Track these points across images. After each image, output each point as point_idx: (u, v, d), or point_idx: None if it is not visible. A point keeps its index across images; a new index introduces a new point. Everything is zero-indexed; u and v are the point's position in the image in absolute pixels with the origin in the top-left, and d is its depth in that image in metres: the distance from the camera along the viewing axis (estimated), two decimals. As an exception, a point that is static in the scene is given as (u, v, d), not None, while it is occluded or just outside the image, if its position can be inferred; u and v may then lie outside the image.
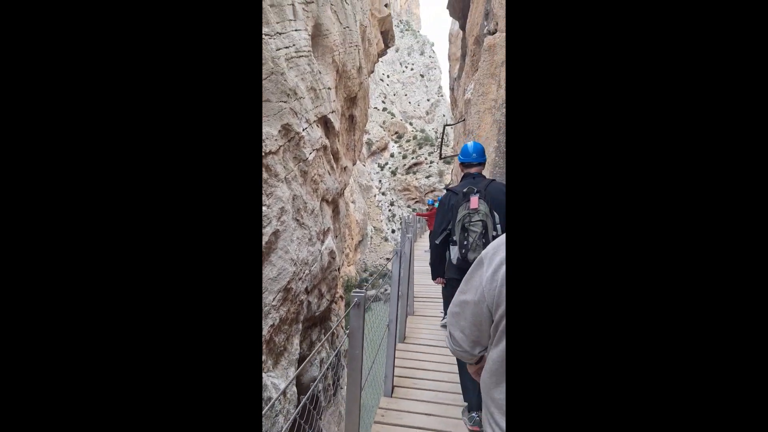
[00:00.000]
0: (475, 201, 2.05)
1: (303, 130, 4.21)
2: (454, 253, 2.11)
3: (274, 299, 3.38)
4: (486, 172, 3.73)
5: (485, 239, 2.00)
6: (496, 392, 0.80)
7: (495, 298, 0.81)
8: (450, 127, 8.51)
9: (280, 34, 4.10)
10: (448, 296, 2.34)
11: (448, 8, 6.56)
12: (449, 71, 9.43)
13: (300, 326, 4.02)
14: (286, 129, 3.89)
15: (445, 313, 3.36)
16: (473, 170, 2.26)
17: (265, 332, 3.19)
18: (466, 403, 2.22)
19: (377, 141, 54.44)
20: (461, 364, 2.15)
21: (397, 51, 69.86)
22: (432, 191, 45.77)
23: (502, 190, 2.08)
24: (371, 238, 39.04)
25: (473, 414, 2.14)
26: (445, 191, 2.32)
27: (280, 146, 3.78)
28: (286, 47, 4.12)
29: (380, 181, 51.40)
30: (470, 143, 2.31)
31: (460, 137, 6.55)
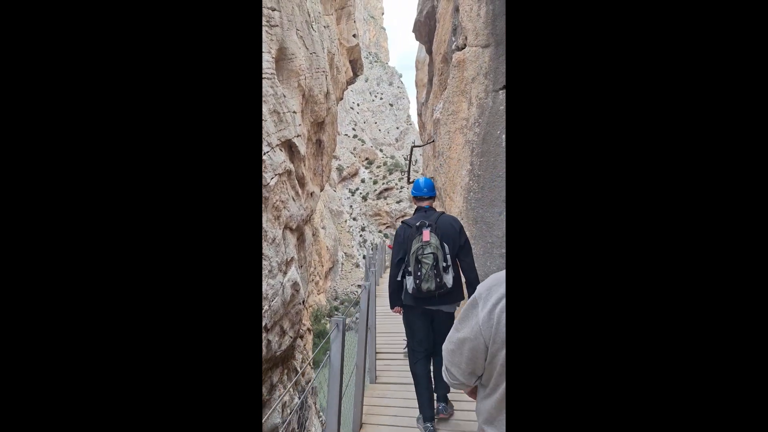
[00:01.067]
0: (426, 234, 2.24)
1: (264, 153, 3.95)
2: (409, 283, 2.27)
3: (225, 342, 2.98)
4: (459, 197, 3.61)
5: (436, 270, 2.18)
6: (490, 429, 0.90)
7: (492, 335, 0.86)
8: (418, 149, 8.44)
9: (240, 54, 3.90)
10: (407, 323, 2.51)
11: (414, 32, 6.71)
12: (416, 97, 9.59)
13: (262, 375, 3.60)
14: (244, 152, 3.63)
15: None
16: (425, 203, 2.50)
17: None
18: (420, 415, 2.46)
19: (348, 167, 54.72)
20: (416, 380, 2.42)
21: (366, 81, 71.96)
22: (403, 216, 46.05)
23: (451, 223, 2.31)
24: (342, 264, 38.26)
25: (428, 424, 2.37)
26: (401, 223, 2.50)
27: (237, 171, 3.49)
28: (247, 68, 3.92)
29: (351, 206, 51.24)
30: (422, 179, 2.57)
31: (429, 160, 6.41)
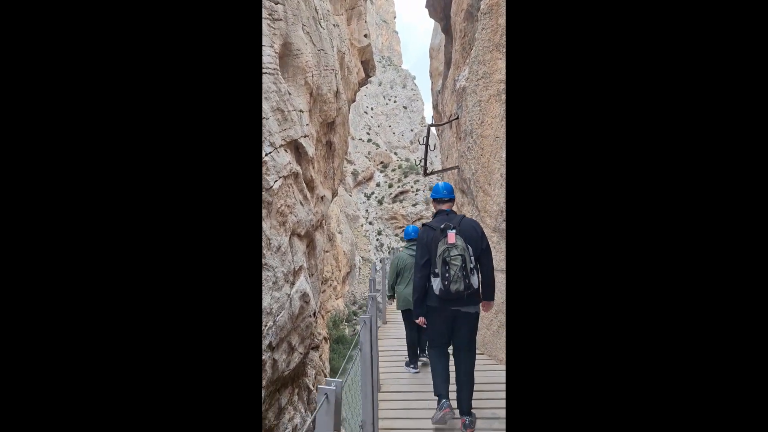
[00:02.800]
0: (452, 236, 2.26)
1: (266, 154, 3.63)
2: (436, 284, 2.29)
3: (221, 366, 2.63)
4: (498, 189, 3.09)
5: (464, 271, 2.22)
6: None
7: None
8: (436, 128, 7.31)
9: (238, 47, 3.61)
10: (427, 326, 2.47)
11: (427, 7, 6.27)
12: (431, 88, 9.12)
13: (261, 394, 3.24)
14: (243, 153, 3.31)
15: (411, 354, 3.83)
16: (445, 206, 2.51)
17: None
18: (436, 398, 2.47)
19: (363, 171, 54.65)
20: (432, 367, 2.49)
21: (380, 85, 72.07)
22: (419, 219, 45.49)
23: (473, 227, 2.36)
24: (359, 268, 38.02)
25: (444, 401, 2.40)
26: (422, 226, 2.52)
27: (236, 173, 3.17)
28: (246, 62, 3.62)
29: (367, 210, 51.08)
30: (440, 182, 2.61)
31: (451, 148, 5.44)
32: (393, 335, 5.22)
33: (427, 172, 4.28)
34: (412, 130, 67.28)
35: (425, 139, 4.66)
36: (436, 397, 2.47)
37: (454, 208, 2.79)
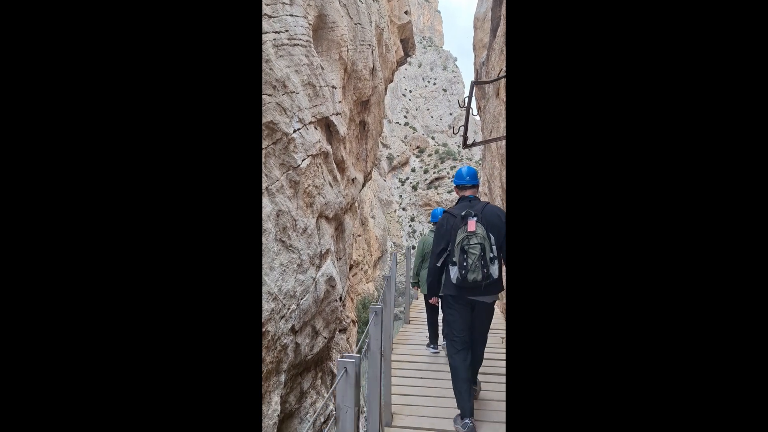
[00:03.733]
0: (472, 224, 2.18)
1: (294, 131, 3.46)
2: (453, 272, 2.22)
3: (239, 349, 2.55)
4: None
5: (483, 261, 2.13)
6: None
7: None
8: (482, 86, 5.92)
9: (269, 17, 3.41)
10: (445, 314, 2.43)
11: None
12: (474, 63, 8.53)
13: (282, 377, 3.17)
14: (270, 128, 3.15)
15: (432, 335, 3.80)
16: (468, 193, 2.41)
17: (221, 397, 2.36)
18: (458, 411, 2.34)
19: (398, 156, 54.04)
20: (454, 373, 2.30)
21: (419, 66, 70.29)
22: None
23: (497, 214, 2.22)
24: (390, 254, 38.14)
25: (466, 420, 2.25)
26: (443, 213, 2.44)
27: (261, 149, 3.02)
28: (276, 32, 3.42)
29: (401, 196, 50.73)
30: (464, 167, 2.50)
31: (497, 118, 4.89)
32: (415, 340, 4.16)
33: (467, 143, 3.43)
34: (451, 114, 65.32)
35: (466, 101, 3.57)
36: (458, 410, 2.31)
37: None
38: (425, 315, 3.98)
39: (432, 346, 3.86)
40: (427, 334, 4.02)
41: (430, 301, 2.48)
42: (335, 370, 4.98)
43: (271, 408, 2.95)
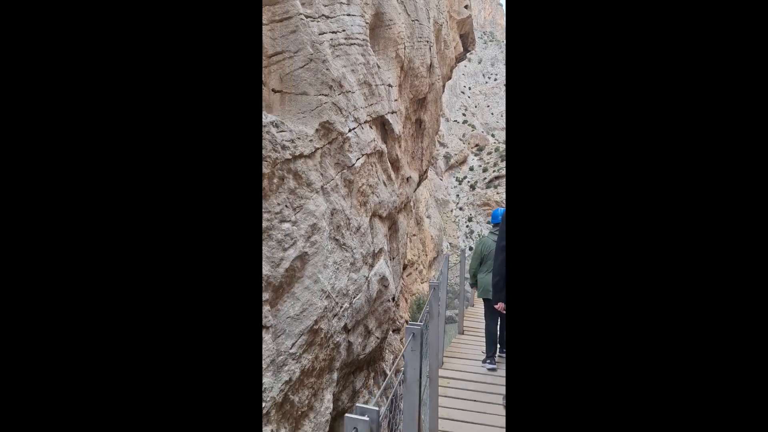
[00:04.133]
0: None
1: (350, 130, 3.47)
2: None
3: (293, 345, 2.60)
4: None
5: None
6: None
7: None
8: None
9: (326, 17, 3.46)
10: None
11: None
12: None
13: (335, 375, 3.19)
14: (326, 128, 3.18)
15: (489, 348, 3.55)
16: None
17: (276, 392, 2.41)
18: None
19: (456, 154, 52.81)
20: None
21: (480, 62, 68.05)
22: (515, 207, 42.26)
23: None
24: (444, 256, 37.39)
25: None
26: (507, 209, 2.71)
27: (317, 149, 3.06)
28: (333, 32, 3.45)
29: (458, 195, 49.50)
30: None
31: None
32: (469, 353, 3.67)
33: None
34: (512, 111, 62.24)
35: None
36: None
37: None
38: (482, 324, 3.72)
39: (489, 361, 3.47)
40: (483, 349, 3.64)
41: (496, 306, 2.18)
42: (388, 371, 4.94)
43: (324, 405, 2.98)
